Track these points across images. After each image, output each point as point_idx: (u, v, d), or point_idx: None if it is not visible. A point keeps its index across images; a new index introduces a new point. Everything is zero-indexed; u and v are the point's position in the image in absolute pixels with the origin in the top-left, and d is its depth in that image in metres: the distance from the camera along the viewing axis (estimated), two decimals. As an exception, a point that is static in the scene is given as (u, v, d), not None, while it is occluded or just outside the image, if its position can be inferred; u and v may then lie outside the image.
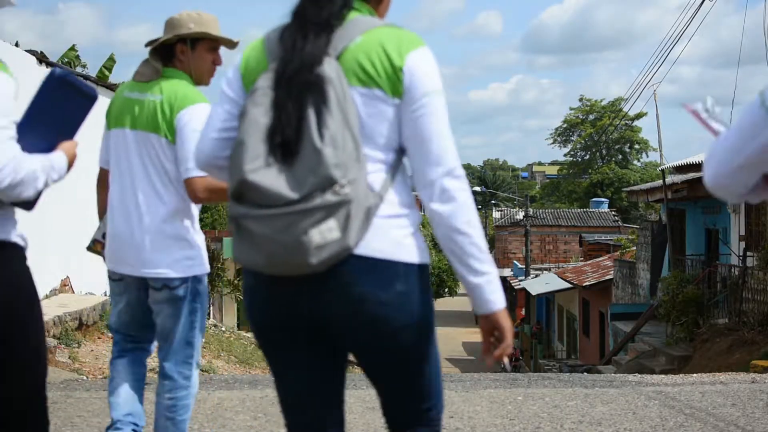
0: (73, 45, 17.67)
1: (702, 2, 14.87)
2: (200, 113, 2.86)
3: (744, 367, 8.62)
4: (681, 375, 7.72)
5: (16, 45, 11.12)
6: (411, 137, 1.85)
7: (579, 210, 45.71)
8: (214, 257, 19.30)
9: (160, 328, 3.19)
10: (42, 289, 10.20)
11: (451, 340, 34.13)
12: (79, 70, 15.09)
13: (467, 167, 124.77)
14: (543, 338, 32.14)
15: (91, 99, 2.38)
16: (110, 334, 9.58)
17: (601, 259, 28.41)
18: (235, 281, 20.65)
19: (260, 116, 1.79)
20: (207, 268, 3.17)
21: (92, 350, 8.37)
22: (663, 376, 7.67)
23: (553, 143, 67.42)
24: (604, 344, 22.76)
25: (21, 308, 2.23)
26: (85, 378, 6.89)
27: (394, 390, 2.00)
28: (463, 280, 1.88)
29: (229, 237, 23.22)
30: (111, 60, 17.74)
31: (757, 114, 1.61)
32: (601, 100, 64.93)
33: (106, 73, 17.19)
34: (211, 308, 20.10)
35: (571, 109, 67.10)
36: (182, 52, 3.16)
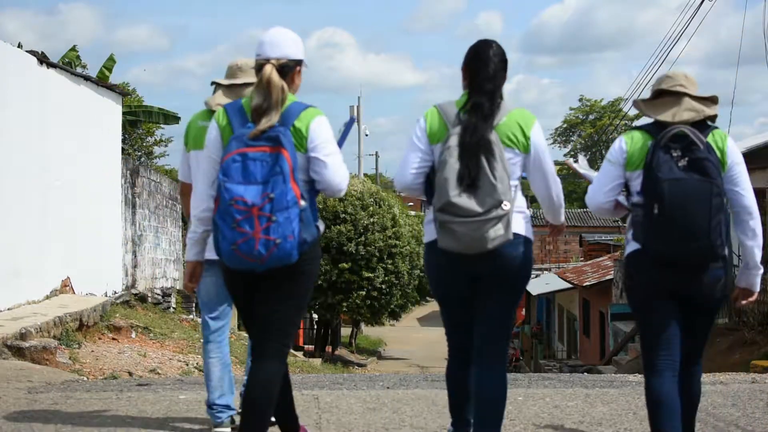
0: (74, 45, 17.73)
1: (702, 2, 14.88)
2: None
3: (744, 367, 8.62)
4: (681, 375, 7.69)
5: (19, 46, 11.13)
6: (535, 171, 3.48)
7: (579, 210, 45.66)
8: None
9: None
10: (42, 290, 10.27)
11: (451, 341, 34.16)
12: (79, 70, 15.07)
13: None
14: (543, 338, 32.11)
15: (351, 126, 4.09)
16: (111, 335, 9.59)
17: (601, 259, 28.40)
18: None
19: (454, 163, 3.28)
20: None
21: (92, 351, 8.36)
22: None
23: (553, 143, 67.39)
24: (604, 344, 22.76)
25: (312, 277, 3.42)
26: (85, 379, 6.88)
27: (497, 310, 3.46)
28: (557, 216, 3.67)
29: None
30: (111, 60, 17.77)
31: (606, 164, 3.56)
32: (601, 100, 64.87)
33: (107, 73, 17.22)
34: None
35: (571, 109, 67.08)
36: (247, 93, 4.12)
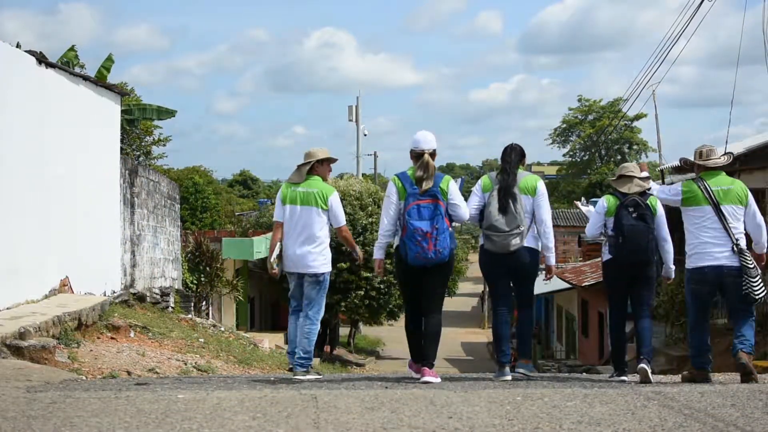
0: (73, 45, 17.71)
1: (702, 2, 14.88)
2: (337, 196, 6.74)
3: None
4: (681, 375, 7.70)
5: (18, 46, 11.11)
6: (537, 206, 6.64)
7: (578, 210, 45.63)
8: (213, 257, 19.15)
9: (306, 294, 6.66)
10: (41, 289, 10.25)
11: (450, 341, 34.03)
12: (77, 70, 15.05)
13: (466, 167, 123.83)
14: (542, 338, 32.11)
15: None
16: (109, 334, 9.61)
17: (599, 259, 28.36)
18: (234, 281, 20.49)
19: (495, 204, 6.53)
20: (330, 268, 6.75)
21: (91, 350, 8.36)
22: (662, 376, 7.67)
23: (552, 143, 67.36)
24: (603, 344, 22.75)
25: (452, 267, 6.72)
26: (84, 378, 6.87)
27: (523, 284, 6.78)
28: (548, 251, 6.73)
29: (228, 237, 23.11)
30: (109, 60, 17.75)
31: (594, 213, 7.09)
32: (600, 100, 64.77)
33: (105, 73, 17.20)
34: (210, 308, 20.01)
35: (570, 109, 66.94)
36: (318, 168, 6.69)
